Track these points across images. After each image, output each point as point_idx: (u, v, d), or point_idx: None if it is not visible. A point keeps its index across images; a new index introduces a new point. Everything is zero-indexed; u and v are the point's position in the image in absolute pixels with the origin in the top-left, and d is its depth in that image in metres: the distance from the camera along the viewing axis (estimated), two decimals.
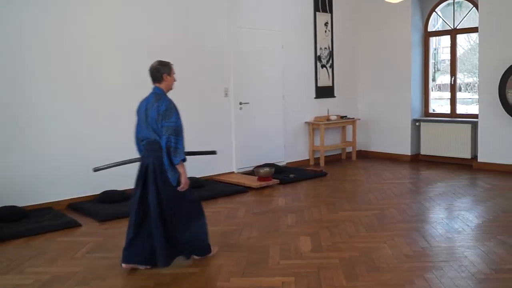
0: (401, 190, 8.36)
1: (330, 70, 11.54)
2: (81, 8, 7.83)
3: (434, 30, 11.39)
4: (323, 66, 11.38)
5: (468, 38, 11.38)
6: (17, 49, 7.26)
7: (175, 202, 5.08)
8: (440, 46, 11.81)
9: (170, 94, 5.18)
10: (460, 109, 11.08)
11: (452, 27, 10.91)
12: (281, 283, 4.61)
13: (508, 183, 8.67)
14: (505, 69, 9.46)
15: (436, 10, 11.17)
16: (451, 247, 5.48)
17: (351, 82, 12.06)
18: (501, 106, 9.55)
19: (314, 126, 11.04)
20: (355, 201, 7.80)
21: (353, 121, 11.55)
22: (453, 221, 6.47)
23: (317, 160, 11.13)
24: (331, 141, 11.46)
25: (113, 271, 5.04)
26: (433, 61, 11.65)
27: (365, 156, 11.95)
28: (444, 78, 11.64)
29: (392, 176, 9.51)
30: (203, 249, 5.33)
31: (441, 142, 10.78)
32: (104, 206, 7.45)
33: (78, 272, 5.01)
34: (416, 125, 11.26)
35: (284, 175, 9.42)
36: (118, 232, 6.29)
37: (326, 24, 11.38)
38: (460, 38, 11.09)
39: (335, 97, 11.65)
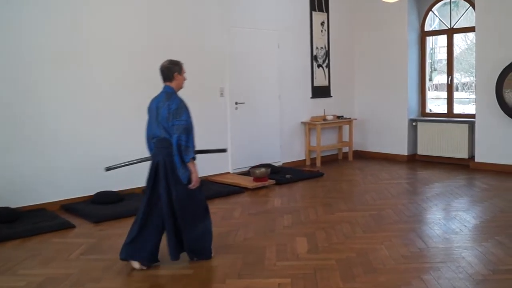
0: (398, 191, 8.35)
1: (326, 70, 11.54)
2: (80, 8, 7.83)
3: (430, 29, 11.39)
4: (319, 65, 11.38)
5: (465, 38, 11.40)
6: (17, 49, 7.25)
7: (185, 201, 5.12)
8: (437, 45, 11.82)
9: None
10: (457, 109, 11.09)
11: (449, 27, 10.92)
12: (277, 285, 4.60)
13: (505, 183, 8.68)
14: (502, 68, 9.47)
15: (432, 9, 11.18)
16: (449, 248, 5.48)
17: (348, 82, 12.06)
18: (498, 106, 9.56)
19: (310, 126, 11.04)
20: (352, 201, 7.79)
21: (349, 121, 11.55)
22: (451, 222, 6.46)
23: (313, 160, 11.12)
24: (327, 141, 11.45)
25: (107, 273, 5.01)
26: (430, 60, 11.66)
27: (362, 156, 11.96)
28: (441, 78, 11.65)
29: (389, 176, 9.51)
30: (205, 252, 5.32)
31: (438, 142, 10.79)
32: (98, 207, 7.42)
33: (72, 274, 4.99)
34: (413, 125, 11.26)
35: (280, 175, 9.41)
36: (113, 234, 6.29)
37: (322, 23, 11.38)
38: (457, 37, 11.10)
39: (331, 97, 11.65)
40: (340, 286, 4.53)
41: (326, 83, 11.58)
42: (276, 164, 10.32)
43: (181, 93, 8.70)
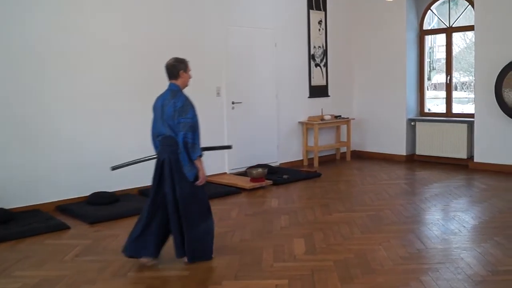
0: (396, 191, 8.36)
1: (324, 69, 11.54)
2: (80, 8, 7.86)
3: (429, 28, 11.41)
4: (317, 65, 11.38)
5: (464, 37, 11.40)
6: (17, 49, 7.27)
7: (188, 199, 5.17)
8: (436, 44, 11.83)
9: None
10: (456, 108, 11.11)
11: (448, 25, 10.93)
12: (275, 286, 4.60)
13: (504, 184, 8.69)
14: (502, 67, 9.48)
15: (431, 8, 11.19)
16: (447, 249, 5.48)
17: (346, 81, 12.06)
18: (498, 106, 9.57)
19: (308, 126, 11.04)
20: (350, 202, 7.79)
21: (347, 121, 11.55)
22: (449, 222, 6.47)
23: (311, 160, 11.13)
24: (325, 141, 11.45)
25: (102, 274, 5.01)
26: (429, 60, 11.67)
27: (360, 156, 11.96)
28: (439, 77, 11.66)
29: (387, 177, 9.52)
30: (205, 253, 5.32)
31: (437, 142, 10.80)
32: (93, 208, 7.41)
33: (67, 276, 4.98)
34: (411, 124, 11.27)
35: (278, 176, 9.40)
36: (108, 235, 6.28)
37: (320, 22, 11.38)
38: (456, 36, 11.11)
39: (329, 96, 11.65)
40: None
41: (324, 83, 11.58)
42: (273, 165, 10.32)
43: None
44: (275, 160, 10.58)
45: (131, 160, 6.13)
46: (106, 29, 8.14)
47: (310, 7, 11.15)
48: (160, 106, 5.23)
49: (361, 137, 12.06)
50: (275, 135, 10.59)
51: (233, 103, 9.76)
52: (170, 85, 5.29)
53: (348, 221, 6.64)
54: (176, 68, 5.26)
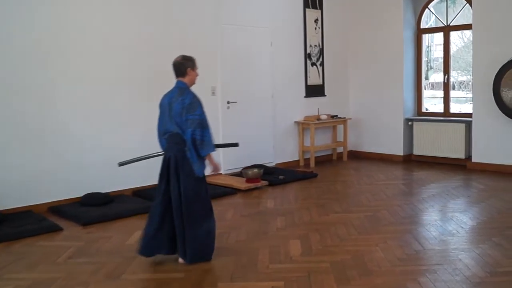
0: (394, 191, 8.37)
1: (320, 68, 11.55)
2: (74, 8, 7.85)
3: (426, 27, 11.42)
4: (313, 64, 11.39)
5: (462, 35, 11.43)
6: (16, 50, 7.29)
7: (192, 198, 5.23)
8: (433, 43, 11.85)
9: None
10: (454, 108, 11.12)
11: (445, 24, 10.95)
12: None
13: (502, 184, 8.71)
14: (500, 66, 9.50)
15: (428, 6, 11.21)
16: (445, 250, 5.49)
17: (342, 80, 12.07)
18: (496, 105, 9.59)
19: (304, 126, 11.04)
20: (347, 203, 7.80)
21: (344, 121, 11.56)
22: (447, 223, 6.48)
23: (307, 161, 11.12)
24: (321, 141, 11.46)
25: (95, 277, 4.99)
26: (426, 59, 11.69)
27: (357, 156, 11.97)
28: (437, 76, 11.68)
29: (384, 177, 9.53)
30: (206, 253, 5.33)
31: (434, 142, 10.81)
32: (86, 209, 7.39)
33: (60, 278, 4.96)
34: (408, 124, 11.28)
35: (273, 176, 9.40)
36: (102, 236, 6.27)
37: (316, 21, 11.38)
38: (454, 35, 11.13)
39: (325, 96, 11.65)
40: None
41: (320, 82, 11.58)
42: (269, 165, 10.31)
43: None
44: (271, 160, 10.58)
45: (137, 156, 6.12)
46: (103, 28, 8.14)
47: (306, 5, 11.15)
48: (167, 103, 5.30)
49: (358, 137, 12.07)
50: (271, 135, 10.59)
51: (228, 102, 9.75)
52: (178, 82, 5.38)
53: (344, 222, 6.64)
54: (184, 66, 5.35)
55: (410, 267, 5.03)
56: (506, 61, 9.43)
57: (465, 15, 10.70)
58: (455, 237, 5.91)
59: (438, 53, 11.59)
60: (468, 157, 10.41)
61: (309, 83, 11.33)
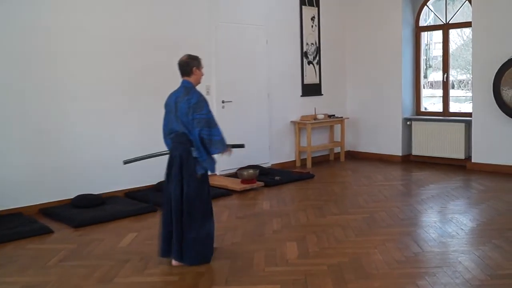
0: (392, 193, 8.37)
1: (317, 67, 11.55)
2: (68, 7, 7.88)
3: (425, 25, 11.43)
4: (309, 62, 11.39)
5: (461, 33, 11.44)
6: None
7: (194, 198, 5.30)
8: (432, 41, 11.86)
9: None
10: (453, 107, 11.14)
11: (445, 22, 10.96)
12: None
13: (503, 184, 8.72)
14: (500, 65, 9.51)
15: (427, 4, 11.21)
16: (445, 252, 5.49)
17: (339, 79, 12.07)
18: (496, 104, 9.60)
19: (300, 126, 11.04)
20: (344, 204, 7.80)
21: (341, 120, 11.56)
22: (447, 225, 6.48)
23: (303, 161, 11.12)
24: (318, 141, 11.45)
25: (88, 280, 4.98)
26: (425, 57, 11.70)
27: (354, 157, 11.97)
28: (436, 75, 11.69)
29: (382, 178, 9.53)
30: (205, 255, 5.36)
31: (434, 142, 10.82)
32: (78, 211, 7.37)
33: (51, 282, 4.95)
34: (407, 124, 11.29)
35: (269, 177, 9.40)
36: (94, 239, 6.26)
37: (312, 18, 11.38)
38: (453, 33, 11.14)
39: (322, 95, 11.65)
40: None
41: (317, 81, 11.59)
42: (265, 166, 10.31)
43: (164, 91, 8.71)
44: (266, 161, 10.57)
45: (144, 154, 6.12)
46: (97, 27, 8.15)
47: (302, 3, 11.15)
48: (173, 102, 5.37)
49: (355, 137, 12.08)
50: (266, 135, 10.58)
51: (223, 102, 9.74)
52: (183, 82, 5.46)
53: (342, 223, 6.64)
54: (190, 65, 5.42)
55: (409, 269, 5.03)
56: (507, 60, 9.44)
57: (464, 12, 10.71)
58: (455, 239, 5.92)
59: (437, 51, 11.61)
60: (468, 157, 10.42)
61: (305, 82, 11.32)
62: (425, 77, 11.75)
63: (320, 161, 11.47)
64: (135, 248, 5.90)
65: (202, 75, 5.54)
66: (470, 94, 10.63)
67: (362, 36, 11.81)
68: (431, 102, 11.73)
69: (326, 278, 4.84)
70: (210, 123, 5.26)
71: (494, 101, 9.60)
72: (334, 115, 11.54)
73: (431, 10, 11.31)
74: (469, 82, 10.89)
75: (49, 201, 7.71)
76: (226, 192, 8.46)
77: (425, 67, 11.71)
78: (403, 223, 6.62)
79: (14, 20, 7.35)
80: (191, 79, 5.44)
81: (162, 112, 5.48)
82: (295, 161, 11.16)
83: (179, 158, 5.28)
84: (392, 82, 11.29)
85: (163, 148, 5.68)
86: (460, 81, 11.70)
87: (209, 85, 9.55)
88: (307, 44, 11.30)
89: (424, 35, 11.54)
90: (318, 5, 11.47)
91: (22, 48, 7.44)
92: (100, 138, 8.18)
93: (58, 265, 5.42)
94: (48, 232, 6.60)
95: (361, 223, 6.65)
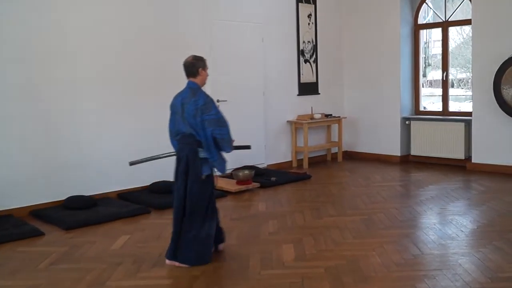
0: (390, 194, 8.38)
1: (314, 65, 11.55)
2: (62, 6, 7.90)
3: (424, 22, 11.44)
4: (306, 61, 11.39)
5: (461, 31, 11.46)
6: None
7: (197, 198, 5.40)
8: (431, 39, 11.87)
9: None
10: (453, 106, 11.15)
11: (444, 19, 10.97)
12: None
13: (504, 185, 8.73)
14: (500, 63, 9.52)
15: (426, 1, 11.23)
16: (444, 255, 5.50)
17: (337, 78, 12.08)
18: (496, 103, 9.61)
19: (297, 126, 11.04)
20: (341, 205, 7.80)
21: (338, 120, 11.57)
22: (446, 227, 6.49)
23: (300, 162, 11.12)
24: (315, 141, 11.46)
25: (79, 284, 4.97)
26: (424, 55, 11.71)
27: (352, 157, 11.98)
28: (435, 74, 11.70)
29: (380, 179, 9.54)
30: (204, 255, 5.39)
31: (433, 142, 10.82)
32: (69, 212, 7.35)
33: (41, 286, 4.94)
34: (406, 123, 11.30)
35: (265, 178, 9.40)
36: (85, 241, 6.25)
37: (309, 16, 11.39)
38: (452, 30, 11.15)
39: (319, 94, 11.66)
40: None
41: (314, 80, 11.59)
42: (261, 166, 10.31)
43: (158, 90, 8.74)
44: (262, 161, 10.57)
45: (150, 155, 6.13)
46: (93, 27, 8.17)
47: (299, 0, 11.15)
48: (179, 104, 5.46)
49: (353, 137, 12.08)
50: (262, 135, 10.57)
51: (218, 101, 9.72)
52: (189, 83, 5.55)
53: (339, 225, 6.64)
54: (195, 66, 5.52)
55: (408, 272, 5.03)
56: (507, 58, 9.45)
57: (464, 9, 10.73)
58: (455, 241, 5.92)
59: (436, 49, 11.62)
60: (468, 157, 10.42)
61: (302, 80, 11.33)
62: (424, 75, 11.76)
63: (317, 162, 11.47)
64: (128, 250, 5.89)
65: (207, 76, 5.63)
66: (470, 93, 10.64)
67: (359, 34, 11.82)
68: (430, 101, 11.74)
69: (324, 281, 4.84)
70: (220, 122, 5.38)
71: (495, 100, 9.61)
72: (331, 115, 11.55)
73: (430, 8, 11.32)
74: (469, 80, 10.91)
75: (40, 202, 7.69)
76: (221, 193, 8.43)
77: (424, 66, 11.72)
78: (402, 225, 6.62)
79: (14, 19, 7.40)
80: (197, 80, 5.53)
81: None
82: (291, 161, 11.16)
83: (185, 158, 5.36)
84: (390, 81, 11.29)
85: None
86: (460, 79, 11.72)
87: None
88: (303, 42, 11.30)
89: (423, 33, 11.55)
90: (315, 3, 11.46)
91: (22, 48, 7.50)
92: (92, 139, 8.15)
93: (49, 269, 5.41)
94: (39, 234, 6.58)
95: (359, 225, 6.65)
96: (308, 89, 11.44)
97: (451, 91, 11.21)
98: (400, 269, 5.10)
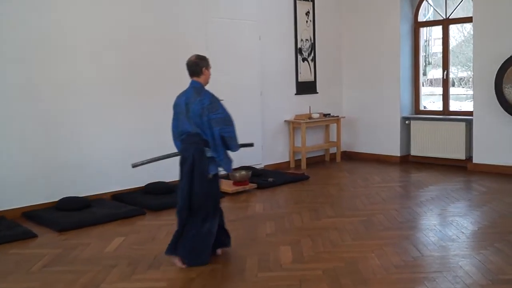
0: (390, 195, 8.39)
1: (312, 64, 11.56)
2: (62, 6, 7.93)
3: (424, 20, 11.46)
4: (304, 59, 11.39)
5: (462, 29, 11.47)
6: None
7: (204, 198, 5.47)
8: (432, 37, 11.89)
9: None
10: (453, 106, 11.16)
11: (444, 17, 10.98)
12: None
13: (505, 186, 8.74)
14: (502, 62, 9.53)
15: None
16: (445, 257, 5.51)
17: (335, 76, 12.08)
18: (498, 103, 9.62)
19: (294, 125, 11.05)
20: (340, 207, 7.81)
21: (337, 120, 11.58)
22: (447, 228, 6.50)
23: (298, 162, 11.13)
24: (313, 141, 11.47)
25: (73, 286, 4.97)
26: (424, 54, 11.72)
27: (351, 157, 11.99)
28: (435, 72, 11.71)
29: (380, 179, 9.55)
30: (203, 253, 5.44)
31: (433, 142, 10.83)
32: (63, 214, 7.34)
33: None
34: (405, 123, 11.31)
35: (262, 179, 9.40)
36: (79, 243, 6.24)
37: (307, 13, 11.39)
38: (453, 28, 11.17)
39: (317, 93, 11.66)
40: None
41: (312, 78, 11.59)
42: (258, 167, 10.31)
43: (152, 89, 8.74)
44: (259, 162, 10.57)
45: (152, 157, 6.13)
46: (89, 26, 8.18)
47: None
48: (184, 103, 5.52)
49: (352, 136, 12.09)
50: (259, 135, 10.56)
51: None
52: (192, 82, 5.65)
53: (338, 227, 6.65)
54: (199, 65, 5.62)
55: (408, 274, 5.04)
56: (509, 56, 9.47)
57: (465, 7, 10.74)
58: (455, 243, 5.93)
59: (436, 47, 11.63)
60: (469, 157, 10.44)
61: (300, 79, 11.33)
62: (424, 74, 11.77)
63: (315, 162, 11.47)
64: (123, 252, 5.89)
65: (209, 75, 5.71)
66: (471, 92, 10.66)
67: (358, 32, 11.83)
68: (431, 100, 11.75)
69: (322, 284, 4.84)
70: (228, 121, 5.50)
71: (496, 99, 9.62)
72: (329, 114, 11.56)
73: (431, 5, 11.34)
74: (470, 79, 10.92)
75: (33, 204, 7.68)
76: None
77: (424, 64, 11.73)
78: (402, 226, 6.63)
79: (14, 19, 7.43)
80: (201, 79, 5.61)
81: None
82: (289, 162, 11.17)
83: (191, 157, 5.40)
84: (390, 80, 11.30)
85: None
86: (461, 78, 11.73)
87: None
88: (301, 40, 11.30)
89: (423, 31, 11.56)
90: (313, 0, 11.48)
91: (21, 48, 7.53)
92: (85, 139, 8.15)
93: (42, 271, 5.40)
94: (31, 236, 6.57)
95: (358, 226, 6.65)
96: (306, 88, 11.45)
97: (452, 90, 11.22)
98: (399, 271, 5.11)
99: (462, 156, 10.47)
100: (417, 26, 11.39)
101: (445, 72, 10.97)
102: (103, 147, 8.25)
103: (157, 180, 8.50)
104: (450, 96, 11.09)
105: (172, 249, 5.43)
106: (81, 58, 8.12)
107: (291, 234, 6.43)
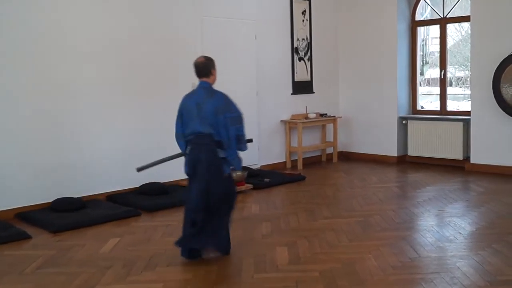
0: (387, 195, 8.40)
1: (308, 64, 11.56)
2: (62, 6, 7.95)
3: (422, 19, 11.48)
4: (300, 59, 11.40)
5: (459, 28, 11.50)
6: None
7: (226, 196, 5.66)
8: (429, 36, 11.92)
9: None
10: (451, 105, 11.18)
11: (442, 16, 11.00)
12: None
13: (503, 186, 8.76)
14: (500, 61, 9.55)
15: None
16: (442, 257, 5.52)
17: (332, 76, 12.09)
18: (496, 102, 9.65)
19: (291, 125, 11.05)
20: (337, 207, 7.82)
21: (333, 120, 11.59)
22: (444, 229, 6.51)
23: (294, 162, 11.13)
24: (309, 141, 11.47)
25: None
26: (421, 53, 11.74)
27: (347, 157, 11.99)
28: (433, 72, 11.74)
29: (376, 180, 9.56)
30: (228, 246, 5.72)
31: (430, 142, 10.85)
32: (57, 215, 7.33)
33: None
34: (403, 123, 11.32)
35: (258, 179, 9.40)
36: (74, 244, 6.23)
37: (303, 12, 11.40)
38: (451, 27, 11.19)
39: (314, 93, 11.67)
40: None
41: (308, 78, 11.60)
42: (254, 167, 10.30)
43: (148, 89, 8.72)
44: (255, 162, 10.56)
45: (157, 159, 6.13)
46: (90, 25, 8.20)
47: None
48: (194, 104, 5.61)
49: (348, 137, 12.10)
50: (255, 135, 10.52)
51: None
52: (202, 83, 5.75)
53: (334, 228, 6.65)
54: (208, 67, 5.74)
55: (405, 275, 5.05)
56: (507, 55, 9.49)
57: (462, 6, 10.76)
58: (453, 244, 5.95)
59: (434, 47, 11.66)
60: (467, 158, 10.45)
61: (296, 79, 11.34)
62: (422, 74, 11.80)
63: (312, 162, 11.48)
64: (118, 254, 5.88)
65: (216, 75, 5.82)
66: (468, 91, 10.69)
67: (355, 31, 11.84)
68: (428, 100, 11.77)
69: (318, 285, 4.85)
70: (241, 120, 5.63)
71: (494, 99, 9.64)
72: (326, 114, 11.57)
73: (428, 4, 11.36)
74: (468, 79, 10.94)
75: (27, 204, 7.66)
76: None
77: (421, 64, 11.75)
78: (399, 227, 6.64)
79: (14, 19, 7.45)
80: (209, 80, 5.73)
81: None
82: (285, 162, 11.17)
83: (206, 159, 5.49)
84: (387, 80, 11.31)
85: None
86: (458, 78, 11.76)
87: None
88: (297, 39, 11.31)
89: (421, 30, 11.59)
90: None
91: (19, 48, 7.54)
92: (85, 140, 8.14)
93: (36, 273, 5.39)
94: (25, 237, 6.56)
95: (355, 227, 6.66)
96: (302, 87, 11.45)
97: (449, 90, 11.24)
98: (396, 272, 5.11)
99: (459, 156, 10.49)
100: (414, 25, 11.41)
101: (443, 72, 10.98)
102: (102, 147, 8.24)
103: (152, 181, 8.50)
104: (448, 96, 11.10)
105: (203, 241, 5.56)
106: (81, 58, 8.12)
107: (288, 235, 6.43)
